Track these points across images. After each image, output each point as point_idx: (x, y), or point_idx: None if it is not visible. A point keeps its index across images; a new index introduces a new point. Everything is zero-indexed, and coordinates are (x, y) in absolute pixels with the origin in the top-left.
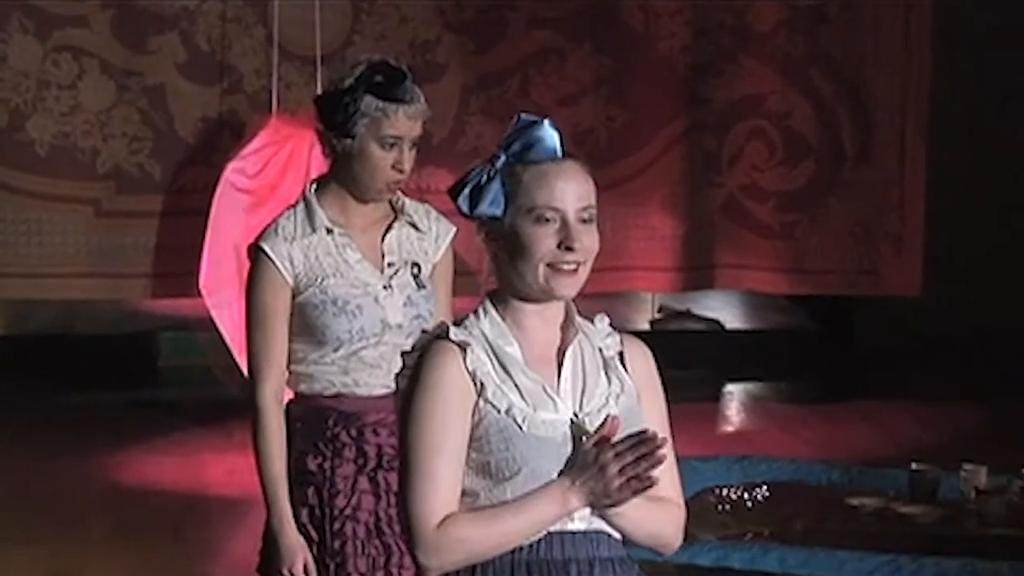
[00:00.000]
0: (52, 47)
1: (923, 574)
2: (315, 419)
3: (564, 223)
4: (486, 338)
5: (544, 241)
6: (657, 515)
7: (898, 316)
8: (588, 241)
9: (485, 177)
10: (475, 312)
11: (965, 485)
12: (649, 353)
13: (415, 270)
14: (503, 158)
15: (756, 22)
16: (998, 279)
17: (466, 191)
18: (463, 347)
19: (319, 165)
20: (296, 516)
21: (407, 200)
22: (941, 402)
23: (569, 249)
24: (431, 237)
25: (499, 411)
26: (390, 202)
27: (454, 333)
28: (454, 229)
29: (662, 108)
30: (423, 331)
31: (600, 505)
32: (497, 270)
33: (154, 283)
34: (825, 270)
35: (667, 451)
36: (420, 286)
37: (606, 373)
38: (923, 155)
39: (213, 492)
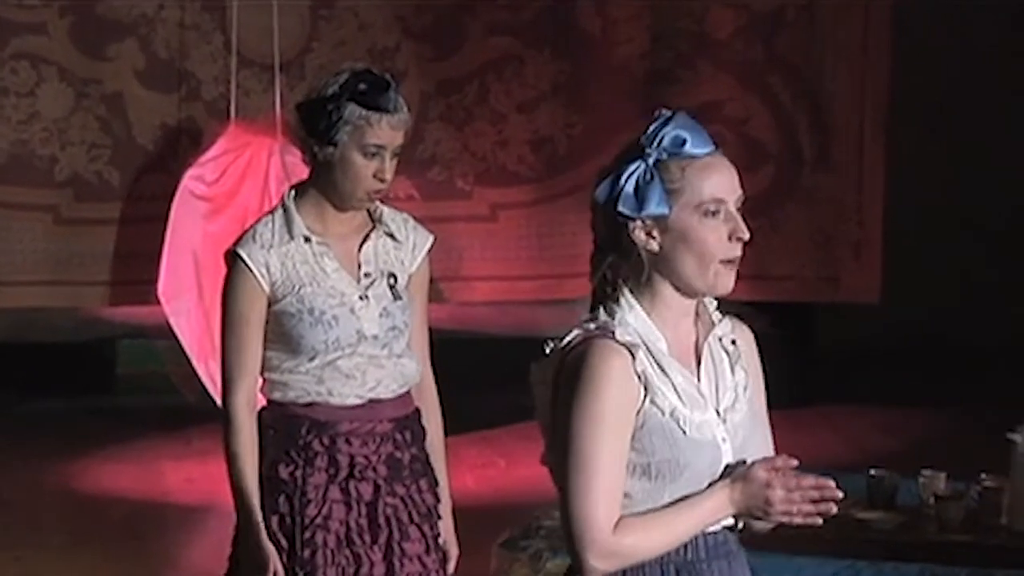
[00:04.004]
0: (10, 54)
1: None
2: (288, 427)
3: (728, 214)
4: (639, 335)
5: (715, 235)
6: None
7: (858, 323)
8: (746, 231)
9: (644, 176)
10: (615, 303)
11: (924, 491)
12: (752, 335)
13: (391, 280)
14: (655, 155)
15: (714, 28)
16: (957, 286)
17: (628, 191)
18: (631, 349)
19: (278, 172)
20: (266, 524)
21: (385, 209)
22: (900, 408)
23: (740, 239)
24: (408, 247)
25: (663, 414)
26: (368, 211)
27: (620, 334)
28: (431, 238)
29: (620, 114)
30: (579, 327)
31: (750, 517)
32: (646, 265)
33: (112, 291)
34: (785, 276)
35: (838, 494)
36: (396, 297)
37: (731, 365)
38: (882, 161)
39: (172, 499)
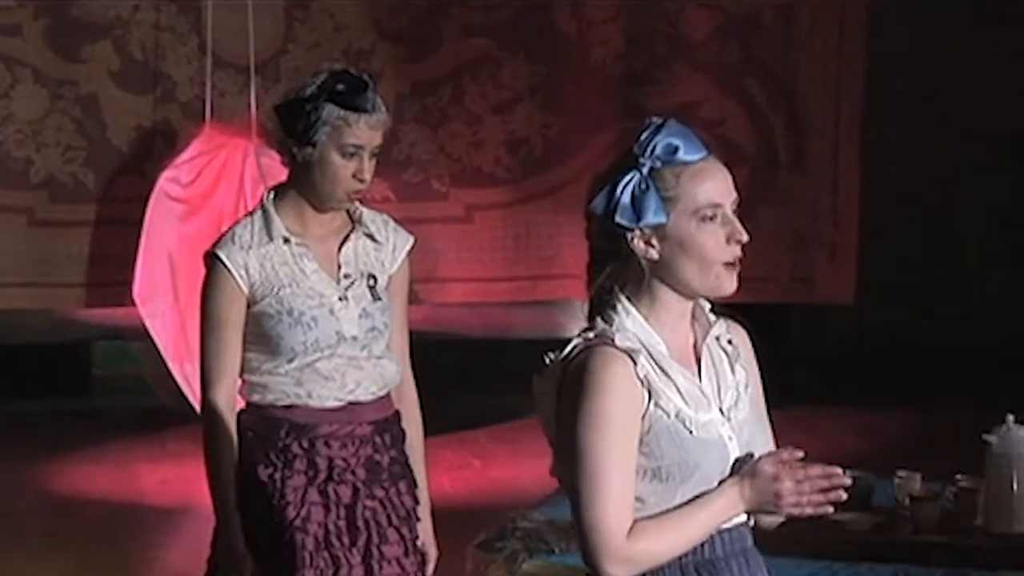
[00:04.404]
0: None
1: None
2: (267, 429)
3: (725, 218)
4: (639, 340)
5: (714, 239)
6: None
7: (833, 324)
8: (744, 232)
9: (640, 186)
10: (612, 310)
11: (899, 492)
12: (747, 336)
13: (371, 281)
14: (648, 164)
15: (690, 30)
16: (932, 288)
17: (625, 203)
18: (631, 355)
19: (253, 174)
20: (245, 526)
21: (365, 210)
22: (875, 409)
23: (738, 242)
24: (388, 248)
25: (669, 416)
26: (348, 212)
27: (619, 340)
28: (412, 240)
29: (596, 116)
30: (579, 336)
31: (761, 512)
32: (647, 272)
33: (88, 292)
34: (760, 277)
35: (846, 480)
36: (376, 298)
37: (730, 364)
38: (856, 163)
39: (147, 501)
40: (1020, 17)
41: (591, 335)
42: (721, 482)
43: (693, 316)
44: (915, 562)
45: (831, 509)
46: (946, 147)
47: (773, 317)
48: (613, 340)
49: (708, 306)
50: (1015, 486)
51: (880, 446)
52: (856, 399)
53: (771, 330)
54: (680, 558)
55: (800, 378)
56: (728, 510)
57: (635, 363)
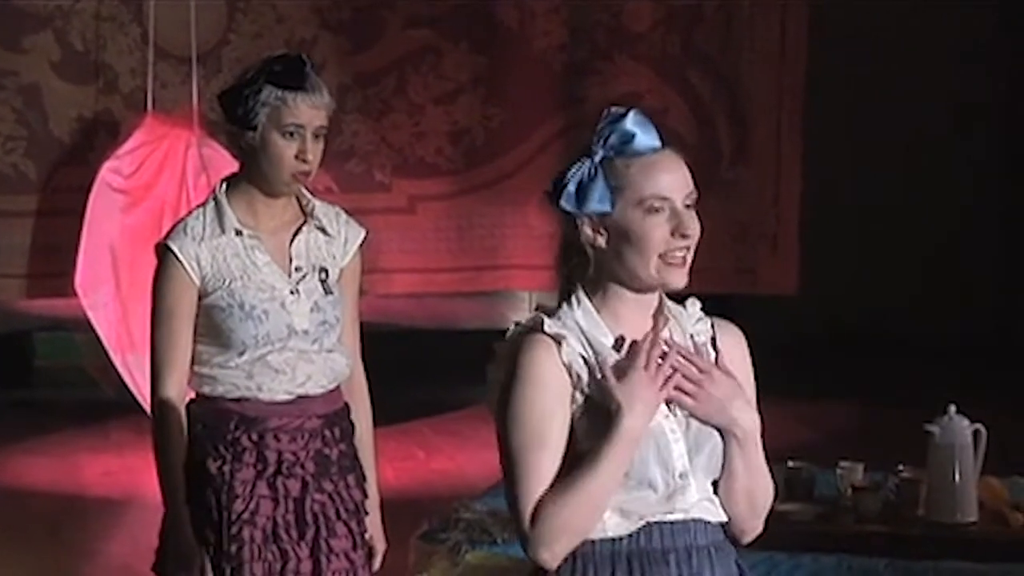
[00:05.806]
0: None
1: (799, 572)
2: (217, 422)
3: (674, 211)
4: (581, 329)
5: (657, 231)
6: (762, 468)
7: (775, 315)
8: (695, 227)
9: (588, 174)
10: (568, 301)
11: (841, 482)
12: (743, 339)
13: (323, 275)
14: (601, 153)
15: (632, 21)
16: (872, 279)
17: (570, 190)
18: (557, 340)
19: (195, 164)
20: (193, 518)
21: (317, 203)
22: (817, 400)
23: (683, 236)
24: (340, 241)
25: (596, 401)
26: (300, 204)
27: (548, 325)
28: (363, 232)
29: (538, 107)
30: (516, 323)
31: (651, 414)
32: (594, 262)
33: (29, 283)
34: (702, 268)
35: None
36: (327, 291)
37: None
38: (799, 154)
39: (89, 492)
40: (962, 5)
41: (524, 321)
42: (664, 473)
43: (659, 305)
44: (857, 552)
45: (690, 387)
46: (889, 140)
47: (716, 308)
48: (541, 325)
49: (697, 305)
50: (956, 476)
51: (822, 437)
52: (798, 390)
53: None
54: (612, 545)
55: None
56: (622, 446)
57: (560, 348)
